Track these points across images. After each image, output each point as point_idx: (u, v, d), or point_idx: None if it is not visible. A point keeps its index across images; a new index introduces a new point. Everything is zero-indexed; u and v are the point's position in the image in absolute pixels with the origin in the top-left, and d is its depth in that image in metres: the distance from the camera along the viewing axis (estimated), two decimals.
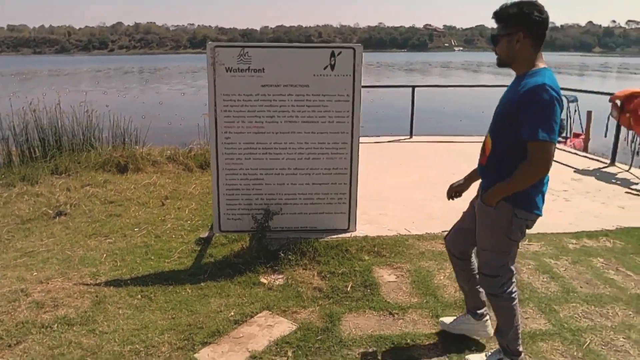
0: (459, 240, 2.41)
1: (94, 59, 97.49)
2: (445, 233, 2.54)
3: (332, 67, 3.49)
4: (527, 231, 2.50)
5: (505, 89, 2.21)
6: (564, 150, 7.29)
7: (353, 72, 3.51)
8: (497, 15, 2.03)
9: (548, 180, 2.11)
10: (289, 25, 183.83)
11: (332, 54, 3.47)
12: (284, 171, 3.68)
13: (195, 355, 2.47)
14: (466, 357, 2.38)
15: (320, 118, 3.59)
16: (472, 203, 2.35)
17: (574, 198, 4.93)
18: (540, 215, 2.14)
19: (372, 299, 3.02)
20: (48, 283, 3.37)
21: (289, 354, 2.45)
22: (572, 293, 3.01)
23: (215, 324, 2.75)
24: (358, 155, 3.72)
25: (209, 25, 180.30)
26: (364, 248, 3.64)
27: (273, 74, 3.47)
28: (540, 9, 1.96)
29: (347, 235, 3.83)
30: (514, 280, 2.21)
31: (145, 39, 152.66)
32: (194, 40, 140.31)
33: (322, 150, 3.67)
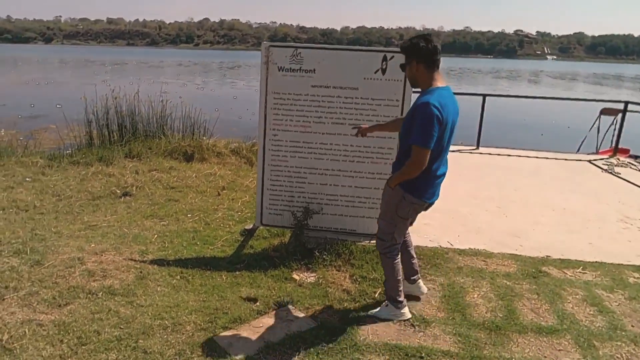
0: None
1: (180, 52, 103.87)
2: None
3: (384, 71, 3.47)
4: (582, 259, 3.50)
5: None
6: None
7: (404, 77, 3.46)
8: (401, 49, 2.64)
9: (443, 174, 2.70)
10: (370, 26, 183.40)
11: (384, 58, 3.44)
12: (327, 171, 3.72)
13: (215, 337, 2.58)
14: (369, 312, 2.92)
15: (368, 122, 3.57)
16: None
17: None
18: (427, 202, 2.72)
19: None
20: (102, 255, 3.67)
21: (301, 349, 2.48)
22: (619, 331, 2.75)
23: (240, 311, 2.85)
24: None
25: (290, 24, 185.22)
26: None
27: (323, 75, 3.52)
28: (427, 39, 2.53)
29: None
30: (396, 246, 2.85)
31: (228, 35, 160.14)
32: (275, 37, 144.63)
33: (367, 153, 3.65)
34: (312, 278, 3.40)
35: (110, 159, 6.76)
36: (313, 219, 3.72)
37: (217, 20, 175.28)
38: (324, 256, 3.56)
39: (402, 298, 2.87)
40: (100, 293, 3.07)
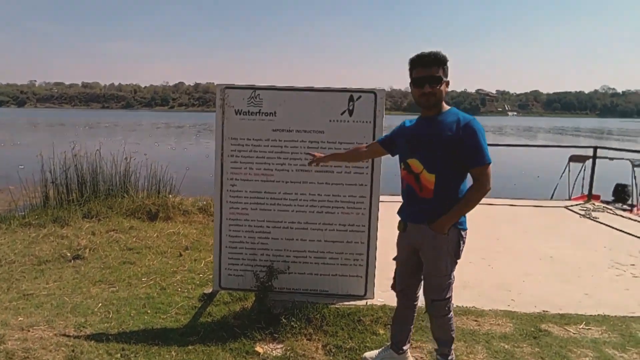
0: (413, 284, 2.57)
1: (155, 115, 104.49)
2: (399, 288, 2.63)
3: (351, 112, 3.19)
4: (583, 312, 3.28)
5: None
6: (630, 218, 6.46)
7: (374, 118, 3.19)
8: (437, 60, 2.26)
9: None
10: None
11: (351, 99, 3.18)
12: (293, 225, 3.32)
13: None
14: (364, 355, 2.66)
15: (336, 168, 3.25)
16: (403, 244, 2.53)
17: None
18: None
19: None
20: (29, 331, 3.09)
21: None
22: None
23: None
24: (378, 211, 3.30)
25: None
26: (380, 320, 3.12)
27: (285, 118, 3.22)
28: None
29: (362, 303, 3.33)
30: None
31: (203, 98, 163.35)
32: None
33: (336, 203, 3.29)
34: (278, 350, 2.89)
35: (66, 220, 6.23)
36: (279, 279, 3.26)
37: (192, 84, 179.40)
38: (292, 323, 3.07)
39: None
40: None
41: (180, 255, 5.12)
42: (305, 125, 3.21)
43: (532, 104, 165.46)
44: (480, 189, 2.24)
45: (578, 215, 6.55)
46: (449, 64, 2.31)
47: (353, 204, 3.27)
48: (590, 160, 8.11)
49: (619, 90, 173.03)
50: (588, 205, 7.18)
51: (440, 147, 2.25)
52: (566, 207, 7.13)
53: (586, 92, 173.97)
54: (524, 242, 5.10)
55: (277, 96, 3.20)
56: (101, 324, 3.29)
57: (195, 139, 30.87)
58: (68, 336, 3.06)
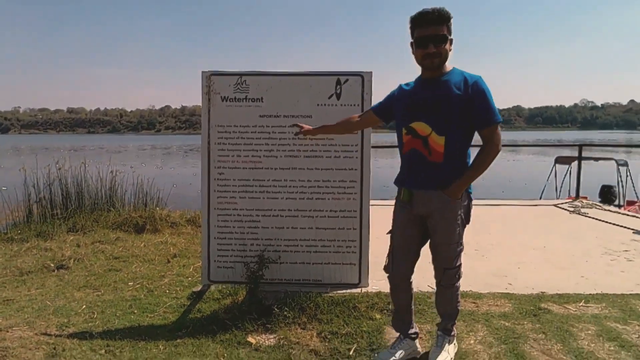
0: (405, 262, 2.42)
1: (141, 138, 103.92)
2: (396, 272, 2.46)
3: (338, 96, 3.16)
4: (582, 291, 3.24)
5: None
6: (618, 212, 6.49)
7: (362, 101, 3.16)
8: (442, 17, 2.12)
9: None
10: None
11: (338, 82, 3.15)
12: (283, 213, 3.24)
13: None
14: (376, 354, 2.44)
15: (325, 152, 3.19)
16: (404, 216, 2.36)
17: (637, 258, 4.13)
18: None
19: None
20: (7, 332, 2.93)
21: None
22: None
23: None
24: (369, 196, 3.24)
25: None
26: (376, 305, 3.03)
27: (272, 104, 3.17)
28: None
29: (357, 290, 3.23)
30: None
31: (190, 120, 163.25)
32: None
33: (327, 189, 3.22)
34: (271, 340, 2.77)
35: (50, 234, 6.05)
36: (270, 269, 3.16)
37: (178, 107, 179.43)
38: (285, 313, 2.96)
39: None
40: None
41: (168, 262, 4.97)
42: (292, 111, 3.17)
43: (514, 118, 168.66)
44: (493, 150, 2.16)
45: (567, 212, 6.56)
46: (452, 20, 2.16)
47: (344, 189, 3.20)
48: (577, 161, 8.19)
49: (598, 103, 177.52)
50: (577, 203, 7.21)
51: (450, 108, 2.14)
52: (555, 205, 7.15)
53: (566, 105, 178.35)
54: (516, 236, 5.06)
55: (264, 82, 3.16)
56: (85, 324, 3.14)
57: (182, 159, 30.70)
58: (49, 335, 2.91)
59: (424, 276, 3.54)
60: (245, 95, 3.16)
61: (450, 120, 2.15)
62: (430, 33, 2.10)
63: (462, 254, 2.37)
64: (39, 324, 3.09)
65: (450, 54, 2.18)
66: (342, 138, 3.19)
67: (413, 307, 2.55)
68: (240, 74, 3.17)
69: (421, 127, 2.21)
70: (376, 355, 2.47)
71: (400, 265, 2.40)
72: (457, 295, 2.40)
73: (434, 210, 2.24)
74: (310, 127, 2.69)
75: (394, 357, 2.39)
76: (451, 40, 2.17)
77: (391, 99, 2.43)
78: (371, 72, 3.16)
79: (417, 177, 2.26)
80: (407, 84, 2.36)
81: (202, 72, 3.18)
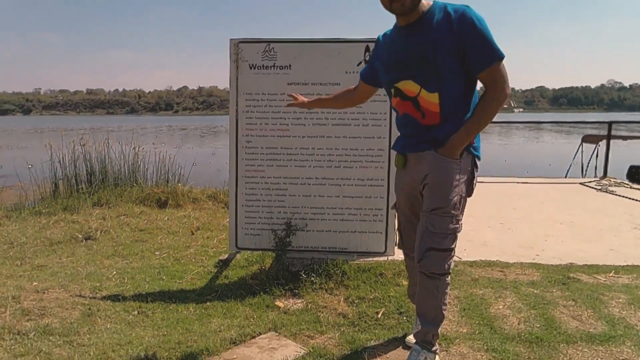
0: (413, 233, 2.00)
1: (159, 119, 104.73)
2: (406, 245, 2.15)
3: (367, 62, 3.11)
4: (611, 263, 2.95)
5: None
6: None
7: None
8: None
9: None
10: None
11: (367, 49, 3.11)
12: (310, 181, 3.24)
13: None
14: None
15: (353, 121, 3.17)
16: (402, 185, 2.03)
17: None
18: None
19: (408, 327, 2.39)
20: (44, 293, 3.03)
21: None
22: None
23: (207, 343, 2.24)
24: None
25: None
26: (403, 273, 3.03)
27: (301, 71, 3.15)
28: None
29: (383, 258, 3.24)
30: None
31: (207, 101, 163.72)
32: None
33: (354, 157, 3.21)
34: (299, 304, 2.82)
35: (76, 208, 6.20)
36: (297, 236, 3.19)
37: (195, 88, 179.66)
38: (312, 279, 3.00)
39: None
40: (33, 333, 2.43)
41: (192, 234, 5.07)
42: (321, 78, 3.14)
43: (538, 100, 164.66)
44: (497, 94, 1.74)
45: (594, 190, 6.43)
46: None
47: (371, 158, 3.19)
48: (604, 140, 7.98)
49: (626, 84, 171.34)
50: (604, 182, 7.06)
51: (436, 56, 1.75)
52: (581, 183, 7.01)
53: (592, 86, 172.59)
54: (542, 211, 4.99)
55: (292, 49, 3.14)
56: (116, 288, 3.23)
57: (200, 139, 30.90)
58: (83, 297, 3.00)
59: None
60: (273, 62, 3.14)
61: (439, 72, 1.77)
62: None
63: (457, 239, 1.88)
64: (73, 287, 3.19)
65: None
66: (368, 106, 3.15)
67: None
68: (269, 41, 3.15)
69: (407, 85, 1.85)
70: (407, 338, 2.23)
71: (409, 239, 2.07)
72: (444, 294, 1.88)
73: (427, 172, 1.85)
74: (305, 99, 2.39)
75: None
76: None
77: (373, 58, 2.09)
78: None
79: (410, 141, 1.92)
80: (384, 34, 2.00)
81: (230, 39, 3.16)
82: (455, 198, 1.81)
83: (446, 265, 1.84)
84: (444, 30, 1.74)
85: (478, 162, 1.89)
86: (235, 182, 3.28)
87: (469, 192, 1.88)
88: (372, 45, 3.12)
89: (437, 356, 1.94)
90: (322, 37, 3.28)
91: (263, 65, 3.15)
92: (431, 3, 1.81)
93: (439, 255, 1.81)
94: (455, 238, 1.85)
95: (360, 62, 3.12)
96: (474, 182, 1.88)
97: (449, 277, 1.89)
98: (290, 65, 3.14)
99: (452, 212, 1.81)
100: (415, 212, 2.00)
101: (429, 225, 1.83)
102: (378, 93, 3.11)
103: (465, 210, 1.89)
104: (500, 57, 1.73)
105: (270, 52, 3.13)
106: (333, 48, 3.14)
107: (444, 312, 1.91)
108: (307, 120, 3.18)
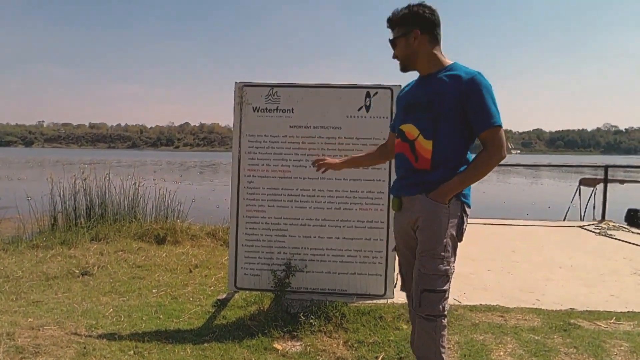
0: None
1: (160, 154, 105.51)
2: (406, 288, 2.17)
3: (367, 108, 3.22)
4: (612, 309, 3.00)
5: None
6: None
7: (391, 114, 3.21)
8: (391, 21, 2.03)
9: None
10: None
11: (368, 95, 3.22)
12: (310, 222, 3.27)
13: None
14: None
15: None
16: (399, 228, 2.11)
17: None
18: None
19: None
20: (39, 330, 3.00)
21: None
22: None
23: None
24: None
25: None
26: (403, 316, 3.01)
27: (303, 115, 3.24)
28: (430, 8, 1.98)
29: (383, 301, 3.23)
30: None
31: (208, 138, 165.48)
32: None
33: (354, 199, 3.25)
34: (297, 347, 2.78)
35: (73, 242, 6.17)
36: (296, 278, 3.18)
37: (197, 124, 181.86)
38: (311, 321, 2.97)
39: None
40: None
41: (190, 271, 5.03)
42: (322, 122, 3.23)
43: (535, 142, 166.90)
44: (492, 154, 1.87)
45: (593, 234, 6.45)
46: (412, 14, 1.97)
47: (371, 200, 3.23)
48: (601, 183, 8.07)
49: (622, 127, 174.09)
50: (603, 225, 7.09)
51: (439, 108, 1.90)
52: (580, 226, 7.04)
53: (589, 129, 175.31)
54: (542, 254, 5.00)
55: (295, 93, 3.25)
56: (113, 326, 3.19)
57: (200, 175, 31.09)
58: (79, 335, 2.97)
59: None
60: (276, 106, 3.24)
61: (438, 122, 1.90)
62: (389, 38, 2.05)
63: (450, 281, 1.94)
64: (69, 325, 3.15)
65: (426, 45, 1.97)
66: (369, 150, 3.23)
67: None
68: (272, 85, 3.26)
69: (409, 129, 2.00)
70: None
71: (410, 280, 2.07)
72: (441, 336, 1.90)
73: (419, 215, 1.95)
74: (336, 160, 2.44)
75: None
76: (416, 34, 1.96)
77: (397, 107, 2.22)
78: (400, 85, 3.22)
79: (403, 184, 2.03)
80: (408, 85, 2.17)
81: (235, 82, 3.28)
82: (445, 240, 1.89)
83: (441, 307, 1.90)
84: (453, 88, 1.89)
85: (467, 210, 1.98)
86: (236, 221, 3.31)
87: (459, 236, 1.96)
88: (372, 91, 3.23)
89: None
90: (325, 82, 3.40)
91: (266, 109, 3.25)
92: (452, 62, 2.00)
93: (432, 297, 1.89)
94: (447, 280, 1.91)
95: (360, 107, 3.22)
96: (464, 227, 1.97)
97: (445, 319, 1.93)
98: (292, 109, 3.24)
99: (442, 254, 1.89)
100: (413, 254, 2.03)
101: (421, 267, 1.92)
102: (378, 137, 3.21)
103: (462, 253, 1.96)
104: (495, 124, 1.87)
105: (273, 95, 3.24)
106: (335, 93, 3.25)
107: (443, 355, 1.92)
108: (308, 162, 3.24)
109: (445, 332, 1.93)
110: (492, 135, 1.86)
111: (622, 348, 2.56)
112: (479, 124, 1.88)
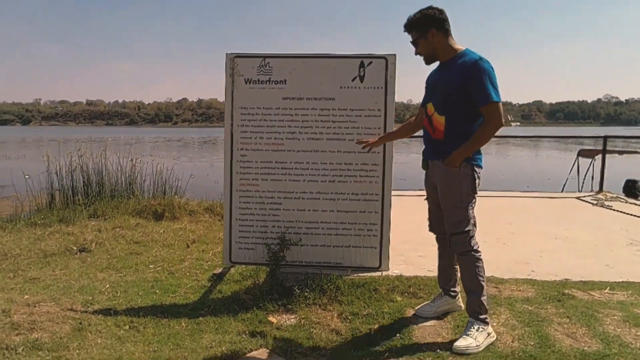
0: (438, 221, 2.59)
1: (158, 130, 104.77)
2: (433, 229, 2.70)
3: (362, 78, 3.14)
4: (607, 279, 3.22)
5: None
6: None
7: (385, 84, 3.14)
8: (409, 26, 2.45)
9: None
10: None
11: (362, 64, 3.13)
12: (304, 195, 3.24)
13: None
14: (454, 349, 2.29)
15: (348, 135, 3.18)
16: (428, 184, 2.63)
17: None
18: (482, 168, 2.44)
19: (401, 344, 2.37)
20: (35, 306, 3.01)
21: None
22: None
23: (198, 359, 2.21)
24: (392, 179, 3.22)
25: None
26: (397, 288, 3.02)
27: (295, 86, 3.17)
28: (439, 9, 2.40)
29: (377, 274, 3.23)
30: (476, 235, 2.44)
31: (206, 114, 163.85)
32: None
33: (349, 172, 3.21)
34: (292, 320, 2.80)
35: (71, 219, 6.17)
36: (291, 251, 3.17)
37: (195, 100, 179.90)
38: (306, 294, 2.98)
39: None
40: (21, 348, 2.41)
41: (188, 247, 5.04)
42: (315, 93, 3.16)
43: (535, 114, 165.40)
44: (489, 125, 2.26)
45: (591, 205, 6.43)
46: (427, 16, 2.38)
47: (366, 172, 3.19)
48: (600, 155, 8.02)
49: (622, 98, 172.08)
50: (600, 196, 7.07)
51: (448, 89, 2.34)
52: (578, 197, 7.02)
53: (589, 101, 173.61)
54: (538, 226, 4.99)
55: (287, 64, 3.16)
56: (108, 302, 3.21)
57: (198, 151, 30.99)
58: (75, 311, 2.98)
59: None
60: (268, 77, 3.16)
61: (448, 101, 2.35)
62: (411, 40, 2.49)
63: (475, 230, 2.41)
64: (65, 301, 3.16)
65: (442, 39, 2.38)
66: (363, 121, 3.18)
67: (456, 269, 2.64)
68: (264, 56, 3.18)
69: (430, 107, 2.46)
70: (417, 308, 2.72)
71: (435, 224, 2.63)
72: (475, 267, 2.39)
73: (439, 178, 2.45)
74: (375, 139, 2.86)
75: (434, 310, 2.66)
76: (432, 33, 2.37)
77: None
78: (395, 55, 3.14)
79: (428, 150, 2.53)
80: (434, 69, 2.57)
81: (226, 54, 3.19)
82: (458, 196, 2.37)
83: (469, 243, 2.38)
84: (460, 71, 2.30)
85: (478, 169, 2.39)
86: (230, 196, 3.28)
87: (473, 189, 2.39)
88: (366, 61, 3.15)
89: (488, 326, 2.38)
90: (319, 52, 3.31)
91: (258, 80, 3.17)
92: (463, 49, 2.39)
93: (459, 238, 2.38)
94: (468, 223, 2.37)
95: (355, 78, 3.15)
96: (476, 182, 2.39)
97: (477, 254, 2.40)
98: (285, 80, 3.16)
99: (460, 205, 2.37)
100: (437, 203, 2.54)
101: (446, 218, 2.44)
102: (372, 108, 3.15)
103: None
104: (492, 100, 2.22)
105: (265, 67, 3.15)
106: (328, 63, 3.16)
107: (482, 282, 2.39)
108: (302, 134, 3.19)
109: (480, 264, 2.40)
110: (489, 109, 2.24)
111: (615, 317, 2.56)
112: (479, 100, 2.25)
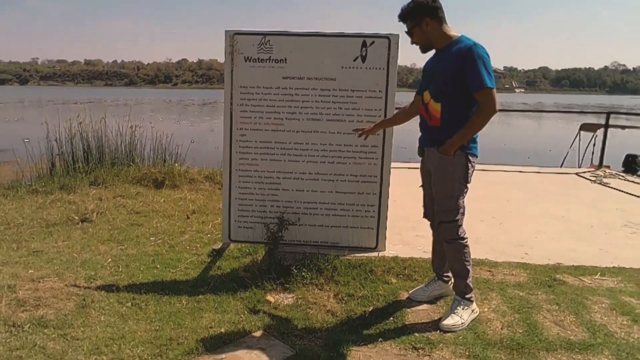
0: (432, 208, 2.61)
1: (158, 92, 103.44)
2: (427, 215, 2.73)
3: (364, 58, 3.08)
4: (600, 263, 3.26)
5: None
6: None
7: (387, 64, 3.09)
8: (402, 17, 2.44)
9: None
10: None
11: (364, 44, 3.07)
12: (303, 176, 3.25)
13: None
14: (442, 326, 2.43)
15: (348, 116, 3.16)
16: (423, 170, 2.66)
17: None
18: (477, 156, 2.47)
19: (394, 328, 2.45)
20: (39, 282, 3.08)
21: None
22: None
23: (198, 340, 2.29)
24: (390, 162, 3.23)
25: None
26: (392, 270, 3.09)
27: (296, 65, 3.12)
28: None
29: (374, 254, 3.29)
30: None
31: (206, 75, 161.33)
32: None
33: (348, 153, 3.21)
34: (289, 299, 2.87)
35: (72, 187, 6.21)
36: (289, 231, 3.22)
37: (195, 61, 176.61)
38: (303, 273, 3.05)
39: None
40: (28, 325, 2.48)
41: (188, 218, 5.09)
42: (316, 73, 3.11)
43: (540, 80, 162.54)
44: (483, 111, 2.26)
45: (589, 181, 6.46)
46: (420, 5, 2.36)
47: (365, 154, 3.19)
48: (602, 129, 7.97)
49: (630, 66, 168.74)
50: (599, 172, 7.08)
51: (443, 77, 2.34)
52: (577, 174, 7.03)
53: (595, 68, 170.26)
54: (535, 204, 5.03)
55: (288, 42, 3.10)
56: (111, 277, 3.28)
57: (198, 114, 30.74)
58: (78, 287, 3.05)
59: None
60: (268, 55, 3.10)
61: (443, 89, 2.35)
62: (405, 30, 2.49)
63: (463, 219, 2.46)
64: (68, 276, 3.23)
65: (437, 27, 2.37)
66: (364, 102, 3.15)
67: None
68: (264, 34, 3.11)
69: (426, 94, 2.47)
70: (411, 292, 2.80)
71: (429, 210, 2.66)
72: (462, 254, 2.48)
73: (433, 166, 2.48)
74: (371, 126, 2.83)
75: (427, 295, 2.74)
76: (426, 22, 2.35)
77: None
78: (398, 35, 3.07)
79: (424, 137, 2.55)
80: (431, 57, 2.57)
81: (226, 31, 3.11)
82: (450, 184, 2.41)
83: (456, 233, 2.45)
84: (455, 59, 2.29)
85: (472, 158, 2.41)
86: (229, 174, 3.29)
87: (465, 178, 2.41)
88: (369, 41, 3.08)
89: (473, 303, 2.52)
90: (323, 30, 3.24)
91: (259, 58, 3.11)
92: (458, 36, 2.38)
93: (447, 226, 2.46)
94: (457, 213, 2.43)
95: (356, 58, 3.09)
96: (469, 171, 2.41)
97: (464, 241, 2.48)
98: (286, 59, 3.11)
99: (451, 194, 2.42)
100: (429, 188, 2.59)
101: (436, 205, 2.51)
102: (374, 89, 3.11)
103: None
104: (485, 86, 2.22)
105: (266, 44, 3.09)
106: (329, 43, 3.10)
107: (468, 267, 2.49)
108: (302, 115, 3.17)
109: (466, 250, 2.48)
110: (483, 95, 2.24)
111: (603, 305, 2.63)
112: (473, 86, 2.25)
